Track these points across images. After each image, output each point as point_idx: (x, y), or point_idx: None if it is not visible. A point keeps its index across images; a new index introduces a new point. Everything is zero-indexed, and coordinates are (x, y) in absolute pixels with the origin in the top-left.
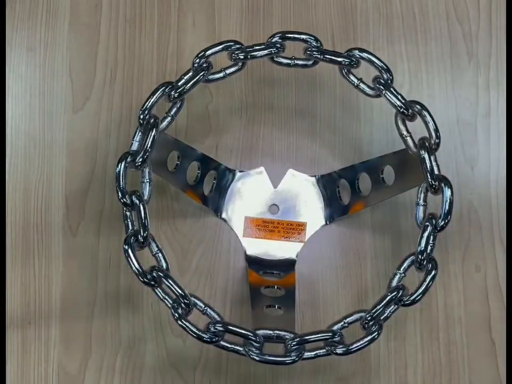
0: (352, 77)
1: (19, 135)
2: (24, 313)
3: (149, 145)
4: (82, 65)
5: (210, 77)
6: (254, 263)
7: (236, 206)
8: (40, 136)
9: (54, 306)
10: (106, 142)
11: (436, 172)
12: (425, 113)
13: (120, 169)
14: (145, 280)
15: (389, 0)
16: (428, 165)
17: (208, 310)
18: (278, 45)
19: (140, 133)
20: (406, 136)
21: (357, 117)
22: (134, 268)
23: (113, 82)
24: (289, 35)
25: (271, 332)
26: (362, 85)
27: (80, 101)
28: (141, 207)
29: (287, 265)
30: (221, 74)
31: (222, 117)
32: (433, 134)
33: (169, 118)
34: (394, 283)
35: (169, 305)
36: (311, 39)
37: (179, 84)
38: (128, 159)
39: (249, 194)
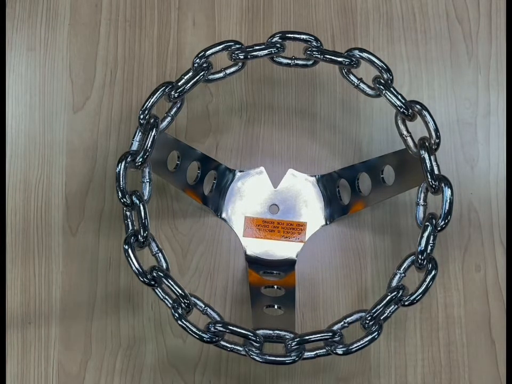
0: (352, 77)
1: (19, 135)
2: (24, 313)
3: (149, 145)
4: (82, 65)
5: (210, 77)
6: (254, 263)
7: (236, 206)
8: (40, 136)
9: (54, 306)
10: (106, 142)
11: (436, 172)
12: (425, 113)
13: (120, 169)
14: (145, 280)
15: (389, 0)
16: (428, 165)
17: (208, 310)
18: (278, 45)
19: (139, 133)
20: (406, 136)
21: (357, 117)
22: (134, 268)
23: (113, 82)
24: (289, 35)
25: (271, 332)
26: (362, 85)
27: (80, 101)
28: (141, 207)
29: (287, 265)
30: (221, 74)
31: (222, 117)
32: (433, 134)
33: (169, 118)
34: (394, 283)
35: (169, 305)
36: (311, 39)
37: (179, 83)
38: (128, 159)
39: (249, 194)
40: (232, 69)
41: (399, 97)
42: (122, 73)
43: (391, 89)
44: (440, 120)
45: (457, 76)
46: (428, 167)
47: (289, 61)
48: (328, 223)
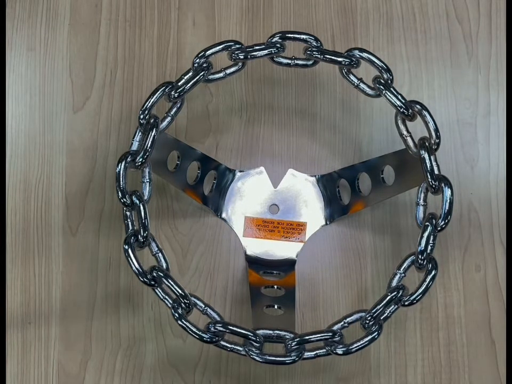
0: (352, 77)
1: (19, 135)
2: (24, 313)
3: (149, 145)
4: (82, 65)
5: (210, 77)
6: (254, 263)
7: (236, 206)
8: (40, 136)
9: (54, 306)
10: (106, 142)
11: (436, 172)
12: (425, 113)
13: (120, 169)
14: (145, 280)
15: (389, 0)
16: (428, 165)
17: (208, 310)
18: (278, 45)
19: (140, 133)
20: (406, 136)
21: (357, 117)
22: (134, 268)
23: (113, 82)
24: (289, 35)
25: (271, 332)
26: (362, 85)
27: (80, 101)
28: (141, 207)
29: (287, 265)
30: (221, 74)
31: (222, 117)
32: (433, 134)
33: (169, 118)
34: (394, 283)
35: (169, 305)
36: (311, 39)
37: (179, 83)
38: (128, 159)
39: (249, 194)
40: (232, 69)
41: (399, 97)
42: (122, 73)
43: (391, 89)
44: (440, 120)
45: (457, 76)
46: (428, 167)
47: (289, 61)
48: (328, 223)
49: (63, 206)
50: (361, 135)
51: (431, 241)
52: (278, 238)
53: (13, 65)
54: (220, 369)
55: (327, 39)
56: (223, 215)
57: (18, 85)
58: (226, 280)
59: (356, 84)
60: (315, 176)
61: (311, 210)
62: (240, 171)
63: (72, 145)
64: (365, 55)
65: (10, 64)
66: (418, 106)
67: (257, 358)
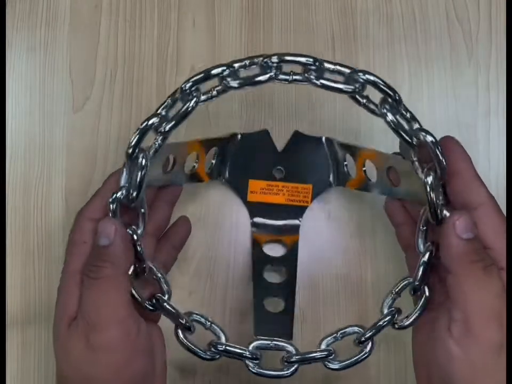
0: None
1: (19, 135)
2: (24, 313)
3: (138, 184)
4: (82, 65)
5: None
6: (258, 227)
7: (240, 170)
8: (40, 136)
9: (54, 307)
10: (106, 142)
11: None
12: (431, 144)
13: (113, 208)
14: (145, 306)
15: (389, 0)
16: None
17: (213, 325)
18: (275, 67)
19: (127, 171)
20: (414, 161)
21: (357, 117)
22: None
23: (113, 82)
24: (287, 58)
25: (268, 342)
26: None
27: (80, 101)
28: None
29: (292, 229)
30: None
31: (222, 117)
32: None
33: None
34: (387, 306)
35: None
36: (310, 61)
37: (168, 120)
38: (119, 196)
39: (253, 158)
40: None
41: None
42: (122, 73)
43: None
44: (440, 120)
45: (457, 75)
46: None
47: (287, 77)
48: (334, 185)
49: (63, 206)
50: (361, 137)
51: None
52: (282, 201)
53: (13, 65)
54: (220, 369)
55: (327, 39)
56: (226, 179)
57: (18, 85)
58: (226, 281)
59: (362, 103)
60: (321, 137)
61: (316, 173)
62: (242, 134)
63: (72, 145)
64: (368, 77)
65: (10, 64)
66: (423, 133)
67: (253, 371)
